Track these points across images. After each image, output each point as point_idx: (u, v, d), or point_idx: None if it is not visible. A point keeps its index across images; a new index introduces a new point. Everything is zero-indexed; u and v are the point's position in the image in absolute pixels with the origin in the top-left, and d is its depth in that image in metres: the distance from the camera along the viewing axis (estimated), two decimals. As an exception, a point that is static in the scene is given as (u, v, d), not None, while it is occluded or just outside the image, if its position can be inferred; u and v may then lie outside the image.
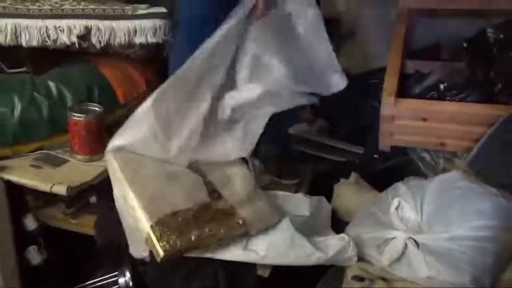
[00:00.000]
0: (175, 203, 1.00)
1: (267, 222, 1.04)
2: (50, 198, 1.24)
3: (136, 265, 1.15)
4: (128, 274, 1.14)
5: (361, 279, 1.09)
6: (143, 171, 1.05)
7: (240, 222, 1.02)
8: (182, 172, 1.09)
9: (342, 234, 1.09)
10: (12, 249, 1.08)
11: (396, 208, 1.13)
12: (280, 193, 1.20)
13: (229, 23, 1.13)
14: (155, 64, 1.56)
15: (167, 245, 0.92)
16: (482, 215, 1.02)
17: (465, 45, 1.41)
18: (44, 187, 1.13)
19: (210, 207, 1.03)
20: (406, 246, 1.05)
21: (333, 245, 1.05)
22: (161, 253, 0.92)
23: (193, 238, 0.95)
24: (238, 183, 1.13)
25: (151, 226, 0.94)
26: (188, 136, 1.10)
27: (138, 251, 1.08)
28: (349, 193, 1.39)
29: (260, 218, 1.05)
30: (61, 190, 1.12)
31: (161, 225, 0.95)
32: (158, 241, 0.92)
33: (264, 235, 1.02)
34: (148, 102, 1.08)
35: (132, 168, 1.04)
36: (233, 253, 0.99)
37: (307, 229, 1.07)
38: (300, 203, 1.15)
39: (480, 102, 1.28)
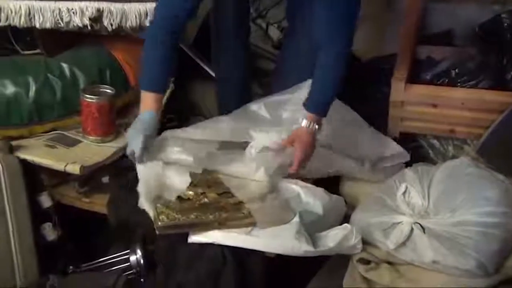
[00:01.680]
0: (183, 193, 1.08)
1: (276, 221, 1.07)
2: (64, 177, 1.27)
3: (147, 244, 1.17)
4: (139, 252, 1.16)
5: (366, 262, 1.10)
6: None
7: (245, 213, 1.05)
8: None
9: (345, 224, 1.10)
10: (29, 225, 1.11)
11: (403, 193, 1.15)
12: (301, 183, 1.22)
13: None
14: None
15: (166, 219, 1.00)
16: (489, 201, 1.02)
17: (477, 30, 1.39)
18: (58, 166, 1.16)
19: (219, 201, 1.08)
20: (412, 230, 1.06)
21: (334, 235, 1.06)
22: (157, 224, 0.99)
23: (193, 216, 1.01)
24: (252, 186, 1.16)
25: (158, 206, 1.02)
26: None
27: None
28: (357, 178, 1.39)
29: (269, 215, 1.08)
30: (74, 169, 1.15)
31: (166, 207, 1.03)
32: (158, 215, 1.01)
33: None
34: None
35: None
36: (236, 238, 1.02)
37: (317, 226, 1.09)
38: (318, 199, 1.15)
39: (491, 89, 1.27)
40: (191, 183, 1.12)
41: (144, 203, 1.05)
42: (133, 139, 1.10)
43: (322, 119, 1.17)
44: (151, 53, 1.12)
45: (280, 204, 1.13)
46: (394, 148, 1.34)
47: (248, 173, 1.19)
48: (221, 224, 1.03)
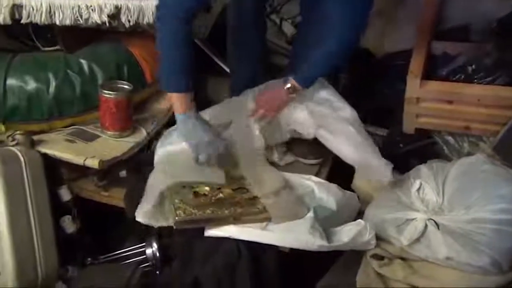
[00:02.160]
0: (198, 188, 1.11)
1: (290, 216, 1.09)
2: (83, 171, 1.29)
3: (163, 237, 1.19)
4: (155, 245, 1.18)
5: (380, 257, 1.11)
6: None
7: (260, 208, 1.07)
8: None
9: (358, 220, 1.10)
10: (50, 218, 1.14)
11: (418, 190, 1.15)
12: (315, 179, 1.23)
13: None
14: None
15: (182, 214, 1.02)
16: (504, 199, 1.02)
17: (495, 25, 1.37)
18: (78, 160, 1.18)
19: (234, 197, 1.10)
20: (426, 227, 1.07)
21: (348, 230, 1.07)
22: (175, 219, 1.01)
23: (209, 212, 1.03)
24: (267, 182, 1.18)
25: (176, 202, 1.04)
26: None
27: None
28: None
29: (283, 210, 1.09)
30: (94, 163, 1.17)
31: (183, 201, 1.05)
32: (175, 210, 1.02)
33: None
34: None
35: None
36: (251, 233, 1.04)
37: (330, 221, 1.10)
38: (331, 195, 1.17)
39: (508, 85, 1.26)
40: None
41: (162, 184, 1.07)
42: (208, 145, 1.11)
43: (300, 89, 1.23)
44: (174, 53, 1.09)
45: (294, 199, 1.14)
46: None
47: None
48: (236, 219, 1.05)
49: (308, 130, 1.30)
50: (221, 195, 1.10)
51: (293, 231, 1.03)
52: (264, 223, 1.05)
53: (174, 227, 1.03)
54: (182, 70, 1.11)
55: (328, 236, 1.05)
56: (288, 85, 1.22)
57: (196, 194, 1.10)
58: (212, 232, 1.05)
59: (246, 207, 1.08)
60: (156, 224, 1.08)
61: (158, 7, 1.12)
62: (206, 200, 1.08)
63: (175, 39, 1.09)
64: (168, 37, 1.10)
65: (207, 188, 1.12)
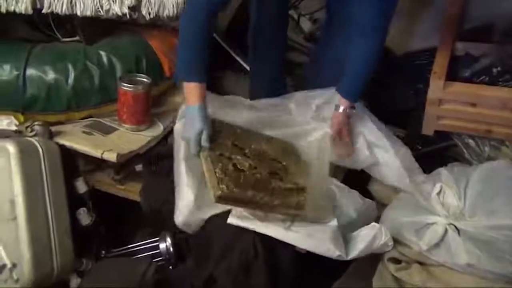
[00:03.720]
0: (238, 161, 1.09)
1: (320, 218, 1.08)
2: (99, 164, 1.29)
3: (177, 232, 1.19)
4: (169, 240, 1.18)
5: (397, 261, 1.09)
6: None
7: (295, 203, 1.06)
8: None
9: (373, 223, 1.09)
10: (66, 209, 1.14)
11: (438, 193, 1.13)
12: (337, 182, 1.22)
13: None
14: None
15: (226, 189, 0.98)
16: (529, 206, 1.00)
17: (521, 26, 1.34)
18: (95, 153, 1.18)
19: (270, 182, 1.08)
20: (446, 231, 1.05)
21: (364, 235, 1.06)
22: (218, 193, 0.97)
23: (249, 194, 1.00)
24: (312, 175, 1.17)
25: (217, 171, 1.01)
26: None
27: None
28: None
29: (313, 211, 1.08)
30: (111, 157, 1.17)
31: (224, 173, 1.02)
32: (219, 183, 0.99)
33: (309, 223, 1.06)
34: None
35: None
36: (275, 230, 1.03)
37: (349, 228, 1.09)
38: (351, 202, 1.16)
39: (534, 89, 1.23)
40: (243, 153, 1.12)
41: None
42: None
43: (353, 104, 1.25)
44: (198, 44, 1.10)
45: (323, 202, 1.13)
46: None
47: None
48: (271, 209, 1.03)
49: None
50: (258, 176, 1.07)
51: (315, 237, 1.02)
52: (288, 223, 1.03)
53: (214, 201, 0.99)
54: (202, 61, 1.11)
55: (345, 242, 1.04)
56: (342, 108, 1.24)
57: (235, 166, 1.06)
58: (236, 221, 1.04)
59: (283, 198, 1.05)
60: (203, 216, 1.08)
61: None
62: (246, 179, 1.04)
63: (201, 30, 1.09)
64: (195, 28, 1.10)
65: (246, 163, 1.09)
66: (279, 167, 1.15)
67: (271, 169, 1.12)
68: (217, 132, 1.13)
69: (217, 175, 1.01)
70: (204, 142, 1.08)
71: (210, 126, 1.11)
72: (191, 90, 1.10)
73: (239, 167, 1.07)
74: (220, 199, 0.98)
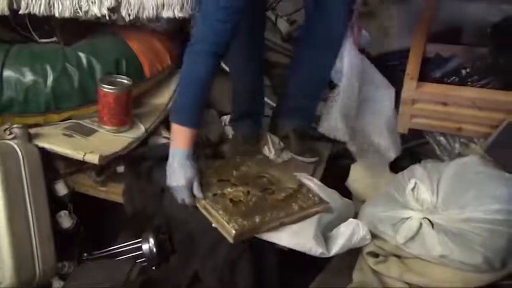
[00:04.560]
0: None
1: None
2: (79, 166, 1.28)
3: (160, 233, 1.19)
4: (152, 241, 1.18)
5: (375, 255, 1.13)
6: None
7: (296, 208, 1.09)
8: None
9: (350, 219, 1.13)
10: (47, 213, 1.13)
11: (413, 189, 1.16)
12: (317, 182, 1.25)
13: None
14: (180, 38, 1.57)
15: (236, 226, 1.00)
16: (498, 200, 1.05)
17: (489, 30, 1.40)
18: (77, 155, 1.17)
19: (266, 199, 1.11)
20: (421, 225, 1.09)
21: (342, 232, 1.09)
22: (233, 232, 0.99)
23: (257, 220, 1.03)
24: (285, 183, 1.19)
25: (220, 214, 1.03)
26: None
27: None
28: (365, 173, 1.42)
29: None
30: (93, 158, 1.16)
31: (227, 212, 1.03)
32: (227, 223, 1.00)
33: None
34: None
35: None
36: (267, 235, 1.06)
37: (329, 227, 1.12)
38: (331, 201, 1.18)
39: (501, 89, 1.29)
40: (231, 184, 1.14)
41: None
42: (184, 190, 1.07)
43: None
44: (200, 88, 1.07)
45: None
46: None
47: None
48: (282, 224, 1.06)
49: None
50: (254, 198, 1.10)
51: (299, 236, 1.05)
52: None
53: (232, 242, 1.00)
54: (201, 106, 1.10)
55: (326, 241, 1.07)
56: None
57: (232, 201, 1.09)
58: None
59: (285, 209, 1.08)
60: None
61: (192, 42, 1.10)
62: (247, 207, 1.07)
63: (206, 74, 1.07)
64: (199, 72, 1.08)
65: (239, 193, 1.11)
66: (266, 181, 1.19)
67: (261, 186, 1.16)
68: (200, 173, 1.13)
69: (222, 218, 1.02)
70: (197, 192, 1.07)
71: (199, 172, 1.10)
72: (184, 133, 1.07)
73: (235, 199, 1.09)
74: (237, 238, 1.00)
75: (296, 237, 1.05)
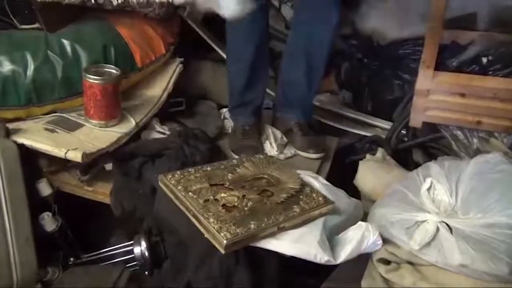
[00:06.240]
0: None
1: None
2: (64, 163, 1.19)
3: (152, 235, 1.11)
4: (144, 244, 1.10)
5: (387, 262, 1.04)
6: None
7: (297, 211, 0.99)
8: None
9: (359, 222, 1.03)
10: (26, 215, 1.05)
11: (428, 189, 1.07)
12: (323, 180, 1.16)
13: None
14: (175, 25, 1.49)
15: (229, 235, 0.90)
16: (525, 203, 0.95)
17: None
18: (59, 152, 1.09)
19: (264, 202, 1.01)
20: (437, 230, 1.00)
21: (351, 237, 1.00)
22: (223, 242, 0.89)
23: (252, 227, 0.93)
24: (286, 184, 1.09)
25: (211, 222, 0.93)
26: None
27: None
28: (375, 170, 1.33)
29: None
30: (76, 156, 1.08)
31: (219, 220, 0.94)
32: (218, 232, 0.91)
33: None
34: None
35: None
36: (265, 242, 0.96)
37: (336, 230, 1.03)
38: (339, 202, 1.09)
39: (527, 79, 1.20)
40: (225, 187, 1.04)
41: None
42: None
43: None
44: None
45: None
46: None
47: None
48: (280, 229, 0.96)
49: None
50: (250, 203, 1.00)
51: (302, 242, 0.95)
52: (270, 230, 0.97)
53: (223, 252, 0.91)
54: None
55: (333, 246, 0.98)
56: None
57: (225, 206, 0.99)
58: None
59: (285, 212, 0.99)
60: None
61: None
62: (241, 213, 0.97)
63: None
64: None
65: (234, 198, 1.01)
66: (265, 182, 1.09)
67: (259, 188, 1.05)
68: (189, 182, 1.04)
69: (213, 226, 0.92)
70: None
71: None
72: None
73: (229, 205, 0.99)
74: (229, 248, 0.91)
75: (298, 243, 0.95)
